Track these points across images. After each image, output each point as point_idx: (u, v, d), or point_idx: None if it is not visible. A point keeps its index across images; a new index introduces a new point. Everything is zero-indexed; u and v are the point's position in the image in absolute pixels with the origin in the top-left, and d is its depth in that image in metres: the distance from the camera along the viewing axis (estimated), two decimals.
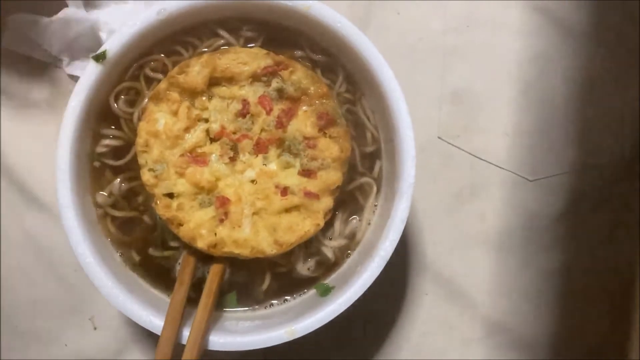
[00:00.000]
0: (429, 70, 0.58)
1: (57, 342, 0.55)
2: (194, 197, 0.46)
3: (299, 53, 0.49)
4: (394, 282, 0.56)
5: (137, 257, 0.48)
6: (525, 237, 0.57)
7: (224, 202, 0.45)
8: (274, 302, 0.48)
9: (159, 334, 0.44)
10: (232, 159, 0.46)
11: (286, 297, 0.48)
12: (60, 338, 0.55)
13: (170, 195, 0.46)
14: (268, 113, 0.46)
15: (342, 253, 0.49)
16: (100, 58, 0.44)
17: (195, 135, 0.46)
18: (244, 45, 0.48)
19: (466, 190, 0.57)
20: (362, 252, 0.48)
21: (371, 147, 0.49)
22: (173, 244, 0.48)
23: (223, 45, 0.48)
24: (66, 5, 0.52)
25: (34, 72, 0.56)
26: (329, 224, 0.48)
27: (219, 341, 0.44)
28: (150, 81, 0.48)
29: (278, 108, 0.47)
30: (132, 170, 0.48)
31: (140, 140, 0.46)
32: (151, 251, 0.48)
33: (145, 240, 0.48)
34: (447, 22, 0.58)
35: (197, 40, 0.48)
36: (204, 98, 0.47)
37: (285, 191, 0.46)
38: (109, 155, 0.48)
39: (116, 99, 0.48)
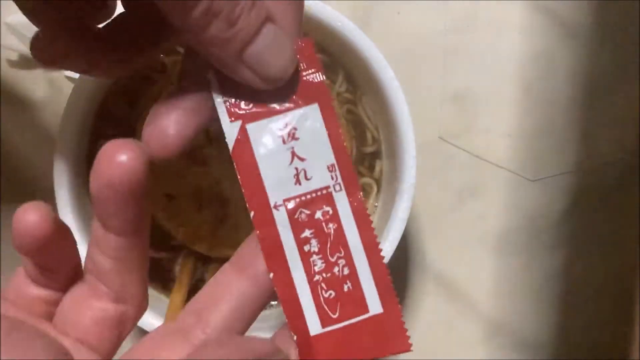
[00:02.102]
0: (429, 70, 0.57)
1: None
2: (194, 198, 0.46)
3: None
4: (394, 283, 0.56)
5: None
6: (527, 238, 0.57)
7: (224, 203, 0.45)
8: (274, 303, 0.48)
9: None
10: None
11: None
12: None
13: (169, 196, 0.46)
14: None
15: None
16: None
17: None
18: None
19: (467, 190, 0.57)
20: None
21: (371, 147, 0.49)
22: (172, 245, 0.48)
23: None
24: None
25: (33, 72, 0.56)
26: None
27: None
28: (149, 81, 0.48)
29: None
30: None
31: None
32: (150, 252, 0.47)
33: None
34: (448, 22, 0.58)
35: None
36: None
37: None
38: None
39: (115, 99, 0.47)
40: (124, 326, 0.26)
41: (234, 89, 0.26)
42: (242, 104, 0.26)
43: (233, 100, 0.26)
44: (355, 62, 0.47)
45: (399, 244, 0.44)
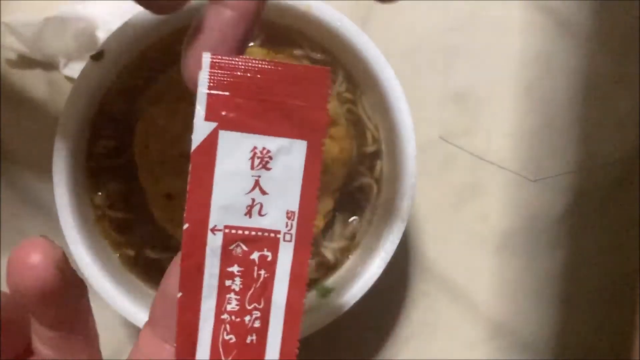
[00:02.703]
0: (430, 69, 0.57)
1: None
2: None
3: (298, 52, 0.48)
4: (394, 283, 0.56)
5: (135, 258, 0.47)
6: (528, 238, 0.57)
7: None
8: None
9: None
10: None
11: None
12: None
13: (169, 196, 0.45)
14: None
15: (343, 254, 0.48)
16: (97, 57, 0.44)
17: None
18: None
19: (468, 190, 0.57)
20: (362, 253, 0.48)
21: (372, 147, 0.49)
22: (172, 245, 0.47)
23: None
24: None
25: (33, 72, 0.56)
26: (328, 225, 0.47)
27: None
28: (149, 81, 0.48)
29: None
30: (130, 170, 0.47)
31: (138, 141, 0.45)
32: (149, 252, 0.47)
33: (143, 241, 0.48)
34: (448, 22, 0.58)
35: None
36: None
37: None
38: (107, 155, 0.48)
39: (114, 99, 0.47)
40: None
41: (227, 84, 0.23)
42: (227, 106, 0.22)
43: (219, 96, 0.22)
44: (355, 61, 0.47)
45: (399, 244, 0.44)
